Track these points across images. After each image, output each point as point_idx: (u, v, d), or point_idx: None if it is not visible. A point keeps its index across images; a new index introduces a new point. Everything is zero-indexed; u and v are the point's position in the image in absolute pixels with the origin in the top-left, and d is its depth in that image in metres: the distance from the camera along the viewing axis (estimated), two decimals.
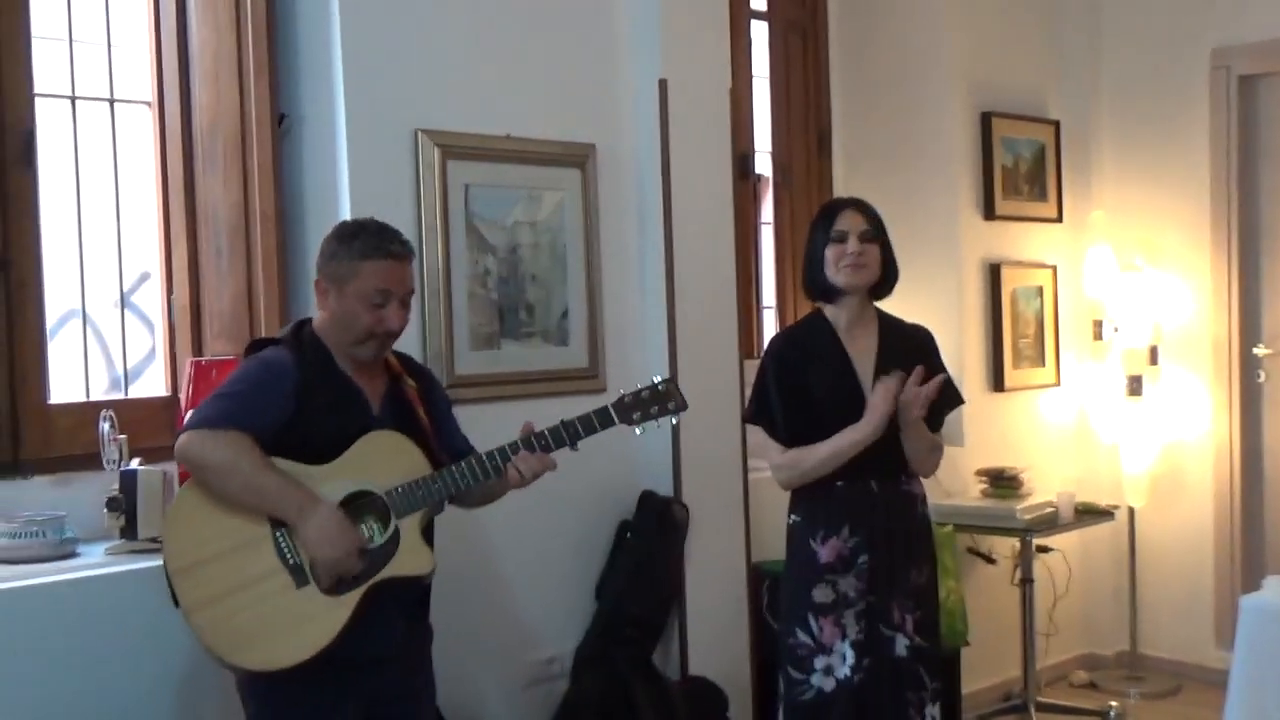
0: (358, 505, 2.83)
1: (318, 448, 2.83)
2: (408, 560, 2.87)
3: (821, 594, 3.51)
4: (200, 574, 2.74)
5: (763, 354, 3.76)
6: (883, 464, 3.52)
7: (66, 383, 3.65)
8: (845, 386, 3.52)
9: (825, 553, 3.51)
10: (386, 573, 2.84)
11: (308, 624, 2.76)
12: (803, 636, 3.53)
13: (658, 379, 3.10)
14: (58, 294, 3.64)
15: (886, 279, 3.58)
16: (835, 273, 3.51)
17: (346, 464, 2.85)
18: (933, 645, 3.57)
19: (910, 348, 3.60)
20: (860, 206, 3.58)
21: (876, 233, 3.53)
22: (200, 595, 2.74)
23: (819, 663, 3.50)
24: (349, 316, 2.87)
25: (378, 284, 2.86)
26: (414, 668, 3.02)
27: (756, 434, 3.71)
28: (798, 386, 3.55)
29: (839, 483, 3.52)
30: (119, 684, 3.08)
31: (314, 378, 2.86)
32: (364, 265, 2.86)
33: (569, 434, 2.98)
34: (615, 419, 3.01)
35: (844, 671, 3.48)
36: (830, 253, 3.51)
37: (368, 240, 2.88)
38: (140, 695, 3.11)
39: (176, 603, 2.76)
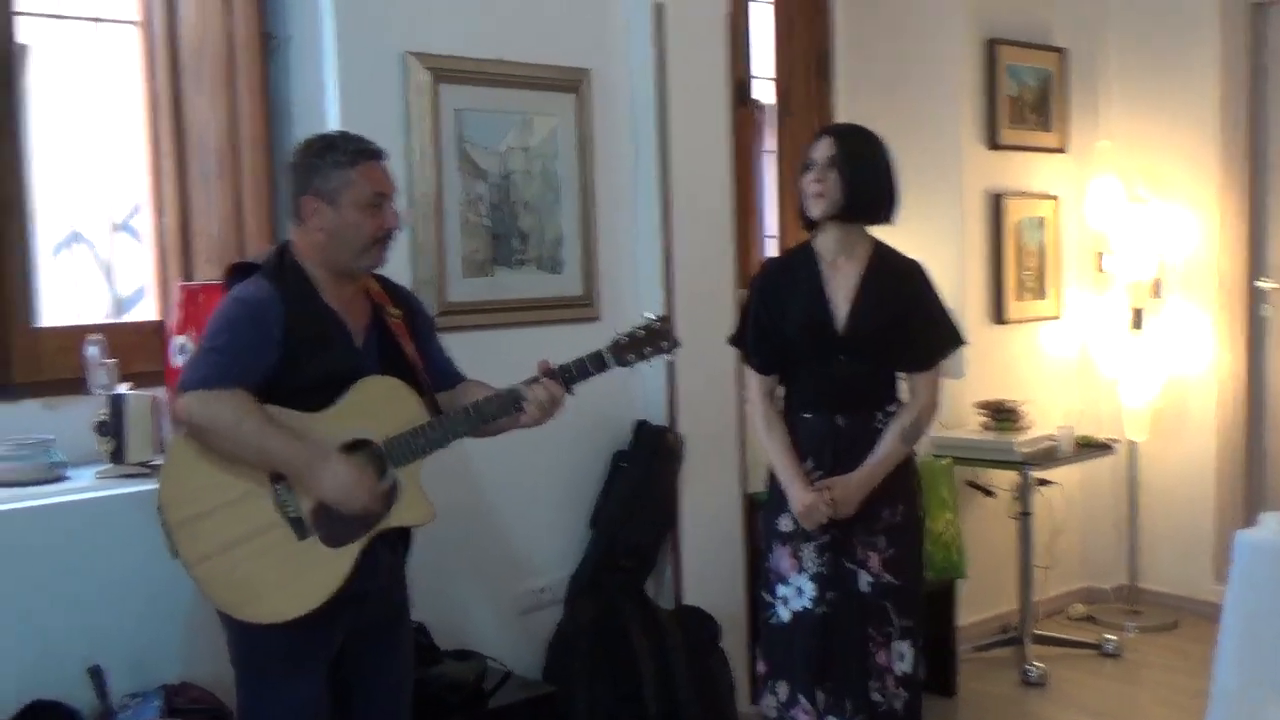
0: (356, 454, 2.80)
1: (304, 387, 2.78)
2: (408, 510, 2.85)
3: (784, 523, 3.53)
4: (200, 527, 2.71)
5: (751, 279, 3.75)
6: (851, 399, 3.50)
7: (67, 308, 3.63)
8: (814, 319, 3.48)
9: None
10: (386, 523, 2.82)
11: (311, 575, 2.75)
12: (772, 562, 3.56)
13: (652, 316, 3.04)
14: (58, 218, 3.62)
15: (857, 205, 3.47)
16: (804, 202, 3.50)
17: (343, 411, 2.80)
18: (907, 584, 3.52)
19: (895, 283, 3.53)
20: (838, 134, 3.51)
21: (843, 160, 3.42)
22: (202, 549, 2.71)
23: (779, 591, 3.53)
24: (348, 228, 2.80)
25: (373, 187, 2.82)
26: (392, 593, 3.02)
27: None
28: (772, 316, 3.53)
29: (806, 415, 3.52)
30: (107, 606, 3.09)
31: (298, 311, 2.79)
32: (353, 172, 2.80)
33: (564, 378, 2.93)
34: (609, 363, 2.95)
35: (801, 604, 3.48)
36: (801, 181, 3.48)
37: (347, 148, 2.82)
38: (127, 617, 3.12)
39: (174, 554, 2.73)
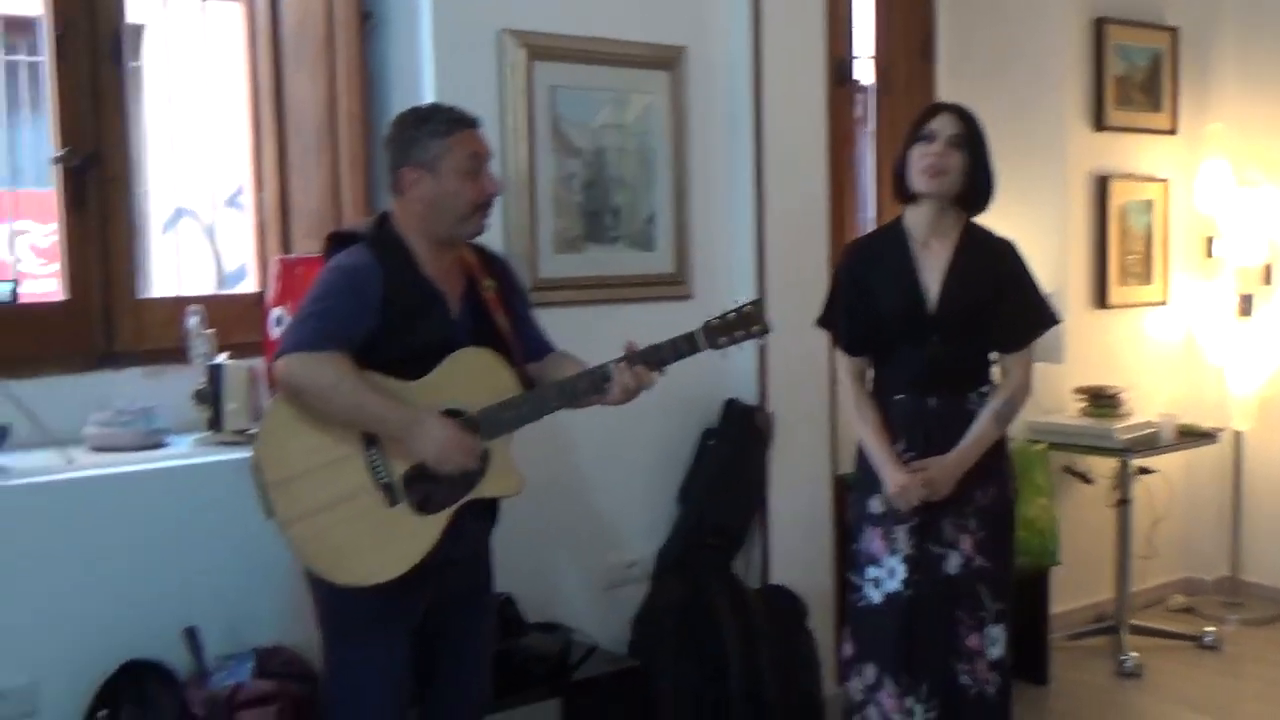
0: None
1: (399, 356, 2.81)
2: (497, 481, 2.90)
3: (875, 505, 3.50)
4: (294, 488, 2.75)
5: (838, 259, 3.72)
6: (943, 380, 3.46)
7: (176, 281, 3.73)
8: (907, 300, 3.45)
9: None
10: (476, 493, 2.87)
11: (399, 542, 2.79)
12: (862, 544, 3.54)
13: (744, 300, 3.03)
14: (170, 193, 3.72)
15: (974, 191, 3.46)
16: (915, 174, 3.43)
17: (437, 381, 2.84)
18: (998, 567, 3.49)
19: (988, 262, 3.49)
20: (960, 112, 3.48)
21: (967, 141, 3.41)
22: (296, 509, 2.75)
23: (870, 573, 3.50)
24: (449, 196, 2.84)
25: (471, 151, 2.87)
26: (477, 562, 3.07)
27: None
28: (862, 296, 3.50)
29: (898, 396, 3.49)
30: (202, 570, 3.17)
31: (397, 282, 2.83)
32: (450, 140, 2.84)
33: (655, 358, 2.94)
34: (700, 344, 2.95)
35: (892, 585, 3.46)
36: (915, 152, 3.44)
37: (442, 117, 2.87)
38: (222, 581, 3.20)
39: (270, 513, 2.77)
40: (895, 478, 3.41)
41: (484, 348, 2.92)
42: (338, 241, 2.94)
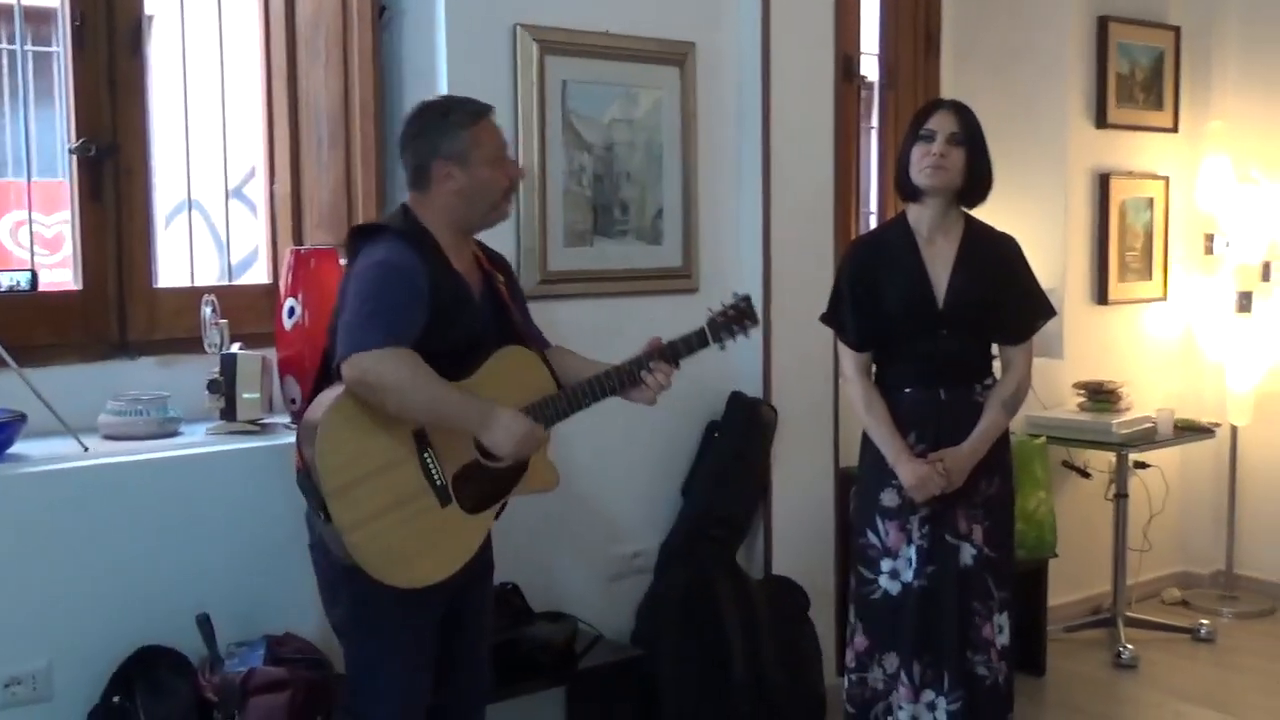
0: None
1: (439, 352, 2.78)
2: (537, 477, 2.97)
3: (889, 498, 3.54)
4: (353, 494, 2.72)
5: (841, 257, 3.76)
6: (954, 373, 3.51)
7: (184, 270, 3.75)
8: (916, 295, 3.50)
9: None
10: (519, 491, 2.93)
11: (450, 542, 2.83)
12: (872, 538, 3.57)
13: (740, 295, 3.14)
14: (176, 184, 3.73)
15: (973, 186, 3.52)
16: (917, 172, 3.49)
17: (482, 380, 2.85)
18: (1003, 556, 3.55)
19: (991, 257, 3.56)
20: (957, 109, 3.54)
21: (966, 137, 3.48)
22: (355, 516, 2.71)
23: (885, 565, 3.54)
24: (482, 185, 2.87)
25: (496, 140, 2.92)
26: (483, 549, 3.07)
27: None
28: (869, 293, 3.55)
29: (908, 389, 3.53)
30: (215, 556, 3.20)
31: (438, 277, 2.81)
32: (477, 130, 2.87)
33: (672, 353, 3.04)
34: (709, 340, 3.07)
35: (909, 576, 3.50)
36: (916, 151, 3.49)
37: (463, 108, 2.90)
38: (235, 566, 3.23)
39: (327, 519, 2.72)
40: (913, 469, 3.45)
41: (501, 339, 2.94)
42: (362, 235, 2.92)
